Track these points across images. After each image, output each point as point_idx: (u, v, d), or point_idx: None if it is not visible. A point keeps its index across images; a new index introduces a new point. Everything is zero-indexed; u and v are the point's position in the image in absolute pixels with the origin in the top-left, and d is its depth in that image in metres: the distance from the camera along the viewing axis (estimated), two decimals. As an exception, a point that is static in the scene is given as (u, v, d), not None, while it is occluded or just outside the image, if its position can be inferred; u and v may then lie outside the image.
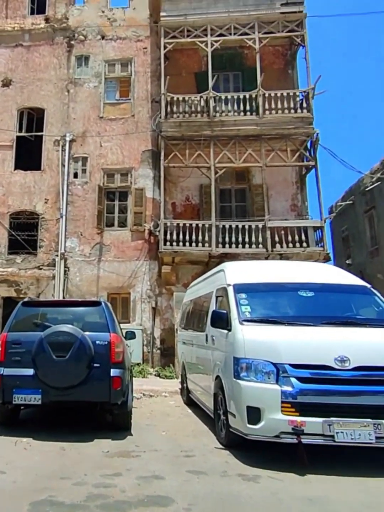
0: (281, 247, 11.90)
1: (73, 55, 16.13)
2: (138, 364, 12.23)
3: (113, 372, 5.79)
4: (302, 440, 4.43)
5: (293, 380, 4.59)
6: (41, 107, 15.84)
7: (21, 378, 5.79)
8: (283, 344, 4.79)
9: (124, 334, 7.87)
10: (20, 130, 15.84)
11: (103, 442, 5.51)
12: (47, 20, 16.76)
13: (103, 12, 16.38)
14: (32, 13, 17.06)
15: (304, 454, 4.45)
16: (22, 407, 6.38)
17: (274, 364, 4.69)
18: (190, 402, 7.94)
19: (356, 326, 5.13)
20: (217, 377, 5.68)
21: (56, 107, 15.69)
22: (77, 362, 5.67)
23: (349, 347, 4.69)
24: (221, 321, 5.57)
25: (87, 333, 5.86)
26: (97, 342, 5.84)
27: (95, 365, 5.76)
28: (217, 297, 6.40)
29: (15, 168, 15.34)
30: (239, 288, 5.71)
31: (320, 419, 4.43)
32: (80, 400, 5.86)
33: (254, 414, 4.66)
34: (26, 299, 6.79)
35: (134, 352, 12.26)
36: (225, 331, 5.48)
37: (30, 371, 5.77)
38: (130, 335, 7.79)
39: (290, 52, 14.61)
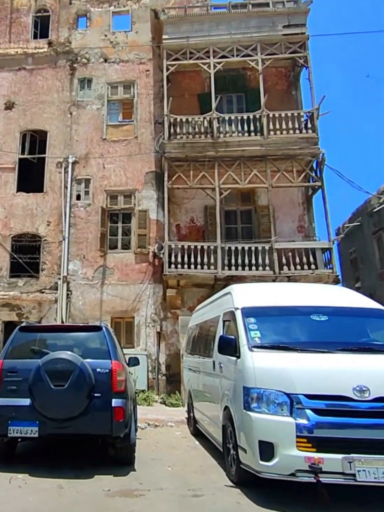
0: (289, 269, 11.65)
1: (75, 77, 16.18)
2: (143, 391, 11.86)
3: (115, 402, 5.45)
4: (320, 479, 4.08)
5: (308, 412, 4.28)
6: (44, 129, 15.81)
7: (17, 408, 5.46)
8: (296, 373, 4.49)
9: (127, 360, 7.54)
10: (23, 152, 15.78)
11: (104, 478, 5.15)
12: (50, 44, 16.89)
13: (105, 35, 16.49)
14: (35, 37, 17.21)
15: (325, 491, 4.10)
16: (19, 440, 6.01)
17: (288, 395, 4.37)
18: (197, 433, 7.56)
19: (375, 352, 4.80)
20: (226, 408, 5.34)
21: (58, 129, 15.66)
22: (76, 391, 5.34)
23: (368, 376, 4.38)
24: (229, 347, 5.26)
25: (87, 360, 5.54)
26: (98, 370, 5.54)
27: (96, 394, 5.43)
28: (224, 321, 6.10)
29: (18, 190, 15.22)
30: (248, 312, 5.42)
31: (340, 456, 4.08)
32: (80, 433, 5.50)
33: (267, 450, 4.32)
34: (23, 324, 6.48)
35: (138, 378, 11.93)
36: (234, 358, 5.18)
37: (26, 401, 5.44)
38: (134, 362, 7.46)
39: (293, 73, 14.61)
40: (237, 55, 13.89)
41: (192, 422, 7.96)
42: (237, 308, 5.57)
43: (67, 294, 13.85)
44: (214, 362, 6.17)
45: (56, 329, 6.59)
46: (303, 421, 4.24)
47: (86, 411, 5.37)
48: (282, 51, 13.64)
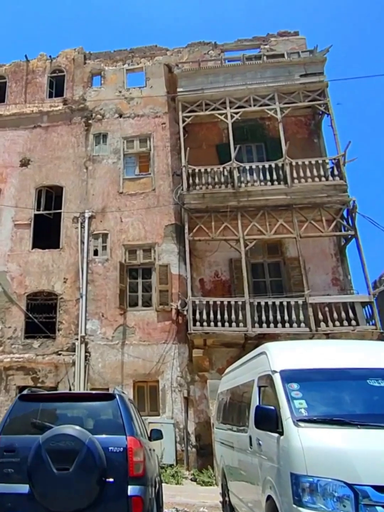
0: (327, 325, 10.76)
1: (91, 133, 16.15)
2: (170, 465, 10.74)
3: (132, 490, 4.45)
4: None
5: (380, 510, 3.32)
6: (60, 185, 15.60)
7: (13, 497, 4.49)
8: (359, 456, 3.54)
9: (148, 433, 6.55)
10: (38, 208, 15.50)
11: None
12: (65, 102, 17.05)
13: (120, 92, 16.61)
14: (50, 96, 17.43)
15: None
16: None
17: (350, 486, 3.42)
18: (235, 523, 6.40)
19: None
20: (269, 498, 4.29)
21: (74, 184, 15.44)
22: (84, 476, 4.35)
23: None
24: (269, 421, 4.30)
25: (97, 436, 4.60)
26: (110, 448, 4.56)
27: (108, 480, 4.44)
28: (260, 387, 5.15)
29: (33, 247, 14.79)
30: (289, 376, 4.52)
31: None
32: None
33: None
34: (25, 392, 5.54)
35: (165, 450, 10.90)
36: (275, 435, 4.23)
37: (25, 488, 4.47)
38: (156, 435, 6.52)
39: (314, 122, 14.35)
40: (254, 105, 13.72)
41: (228, 508, 6.79)
42: (275, 371, 4.68)
43: (86, 356, 13.01)
44: (250, 438, 5.16)
45: (62, 398, 5.59)
46: None
47: (97, 502, 4.35)
48: (301, 99, 13.45)
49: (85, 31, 38.44)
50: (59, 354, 13.39)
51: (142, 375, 12.38)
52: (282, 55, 14.27)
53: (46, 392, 6.25)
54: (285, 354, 5.07)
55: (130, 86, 16.77)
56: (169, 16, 38.73)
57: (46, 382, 13.19)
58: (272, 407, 4.36)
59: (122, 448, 4.56)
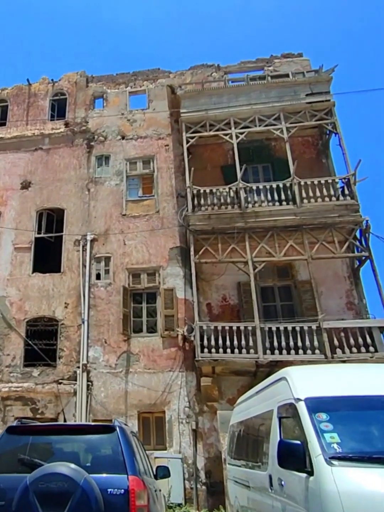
0: (343, 352, 10.19)
1: (93, 155, 15.92)
2: (179, 505, 9.98)
3: None
4: None
5: None
6: (61, 207, 15.26)
7: None
8: None
9: (154, 470, 5.91)
10: (39, 231, 15.11)
11: None
12: (66, 124, 16.89)
13: (122, 114, 16.46)
14: (52, 119, 17.29)
15: None
16: None
17: None
18: None
19: None
20: None
21: (76, 206, 15.10)
22: None
23: None
24: (295, 458, 3.70)
25: (94, 475, 4.01)
26: (110, 490, 3.98)
27: None
28: (280, 418, 4.58)
29: (33, 271, 14.32)
30: (316, 405, 3.96)
31: None
32: None
33: None
34: (13, 424, 4.94)
35: (173, 488, 10.19)
36: (303, 475, 3.66)
37: None
38: (163, 473, 5.92)
39: (322, 142, 14.10)
40: (259, 125, 13.50)
41: None
42: (299, 399, 4.12)
43: (88, 385, 12.39)
44: (270, 477, 4.55)
45: (56, 431, 4.95)
46: None
47: None
48: (308, 119, 13.23)
49: (88, 56, 38.92)
50: (60, 383, 12.76)
51: (147, 405, 11.71)
52: (287, 75, 14.13)
53: (39, 423, 5.63)
54: (309, 380, 4.51)
55: (132, 108, 16.65)
56: (171, 41, 39.22)
57: (45, 413, 12.53)
58: (299, 442, 3.78)
59: (123, 490, 3.98)
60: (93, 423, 7.41)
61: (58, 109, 17.64)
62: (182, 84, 15.43)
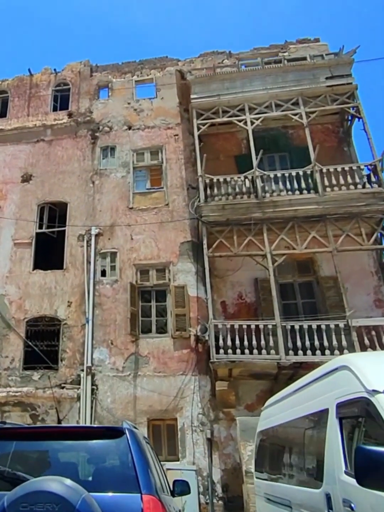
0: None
1: (98, 146, 15.06)
2: (193, 523, 8.99)
3: None
4: None
5: None
6: (64, 201, 14.37)
7: None
8: None
9: (171, 485, 4.78)
10: (41, 226, 14.22)
11: None
12: (70, 115, 16.07)
13: (129, 103, 15.63)
14: (54, 110, 16.48)
15: None
16: None
17: None
18: None
19: None
20: None
21: (80, 200, 14.21)
22: None
23: None
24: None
25: (97, 494, 2.99)
26: None
27: None
28: (341, 419, 3.59)
29: (34, 268, 13.42)
30: None
31: None
32: None
33: None
34: None
35: (187, 503, 9.17)
36: None
37: None
38: (181, 489, 4.80)
39: (343, 129, 13.18)
40: (276, 110, 12.59)
41: None
42: (376, 392, 3.12)
43: (92, 390, 11.44)
44: (328, 497, 3.57)
45: (46, 435, 3.75)
46: None
47: None
48: (328, 103, 12.31)
49: (92, 47, 37.95)
50: (62, 388, 11.83)
51: (158, 412, 10.71)
52: (304, 58, 13.27)
53: (24, 425, 4.51)
54: (380, 366, 3.52)
55: (139, 97, 15.82)
56: (179, 29, 37.95)
57: (46, 419, 11.58)
58: None
59: None
60: (95, 425, 6.25)
61: (61, 100, 16.82)
62: (192, 69, 14.58)
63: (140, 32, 38.56)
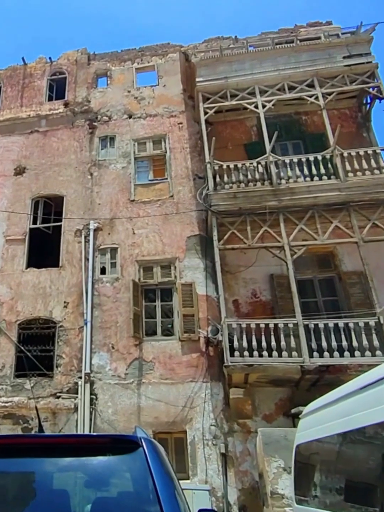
0: (412, 353, 8.14)
1: (96, 136, 14.05)
2: None
3: None
4: None
5: None
6: (60, 194, 13.33)
7: None
8: None
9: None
10: (35, 221, 13.15)
11: None
12: (66, 104, 15.07)
13: (129, 92, 14.64)
14: (50, 99, 15.50)
15: None
16: None
17: None
18: None
19: None
20: None
21: (77, 193, 13.16)
22: None
23: None
24: None
25: None
26: None
27: None
28: None
29: (27, 266, 12.34)
30: None
31: None
32: None
33: None
34: None
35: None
36: None
37: None
38: None
39: (361, 114, 12.18)
40: (290, 92, 11.61)
41: None
42: None
43: (91, 399, 10.29)
44: None
45: (32, 448, 2.57)
46: None
47: None
48: (347, 83, 11.34)
49: (89, 36, 36.71)
50: (58, 397, 10.70)
51: (164, 424, 9.53)
52: (318, 38, 12.32)
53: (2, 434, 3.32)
54: None
55: (140, 84, 14.84)
56: (181, 16, 36.59)
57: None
58: None
59: None
60: (100, 434, 5.01)
61: (57, 89, 15.84)
62: (197, 52, 13.62)
63: (140, 20, 37.21)
